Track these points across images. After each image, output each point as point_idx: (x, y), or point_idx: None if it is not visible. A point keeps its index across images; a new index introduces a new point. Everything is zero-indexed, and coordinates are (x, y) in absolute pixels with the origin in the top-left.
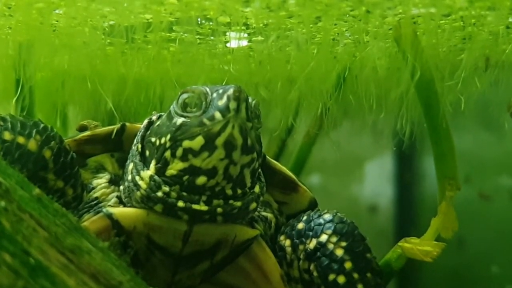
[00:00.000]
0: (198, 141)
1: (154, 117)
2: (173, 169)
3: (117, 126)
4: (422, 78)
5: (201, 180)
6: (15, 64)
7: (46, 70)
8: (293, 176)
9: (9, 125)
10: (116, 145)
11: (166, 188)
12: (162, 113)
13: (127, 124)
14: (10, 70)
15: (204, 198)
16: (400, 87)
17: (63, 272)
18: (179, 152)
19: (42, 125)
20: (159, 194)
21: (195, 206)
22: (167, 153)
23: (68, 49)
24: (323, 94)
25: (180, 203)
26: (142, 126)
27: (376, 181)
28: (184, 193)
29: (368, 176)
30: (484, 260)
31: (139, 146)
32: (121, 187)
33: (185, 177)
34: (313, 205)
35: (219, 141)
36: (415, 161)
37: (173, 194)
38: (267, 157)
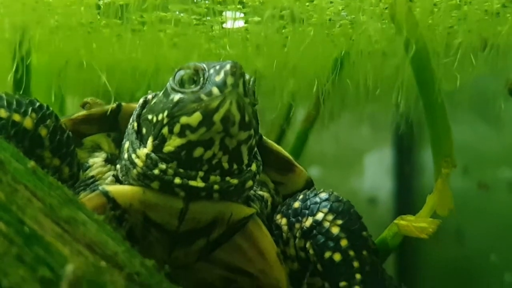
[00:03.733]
0: (196, 117)
1: (149, 96)
2: (170, 145)
3: (112, 106)
4: (417, 54)
5: (198, 151)
6: (12, 48)
7: (43, 55)
8: (290, 156)
9: (5, 103)
10: (112, 125)
11: (163, 166)
12: (158, 92)
13: (123, 103)
14: (6, 55)
15: (201, 174)
16: (398, 77)
17: (58, 241)
18: (177, 128)
19: (38, 103)
20: (156, 171)
21: (192, 183)
22: (165, 130)
23: (64, 31)
24: (320, 78)
25: (177, 180)
26: (137, 105)
27: (376, 174)
28: (181, 170)
29: (367, 169)
30: (483, 250)
31: (135, 124)
32: (118, 166)
33: (183, 152)
34: (309, 185)
35: (217, 117)
36: (414, 153)
37: (170, 171)
38: (264, 137)
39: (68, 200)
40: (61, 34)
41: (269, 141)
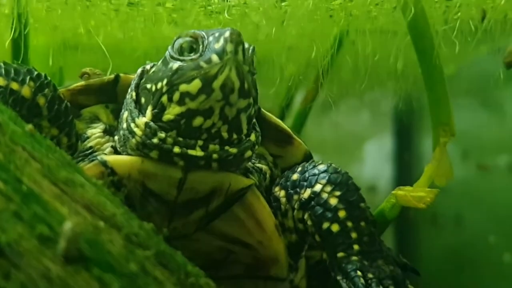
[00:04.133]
0: (195, 85)
1: (147, 66)
2: (170, 113)
3: (110, 77)
4: (415, 18)
5: (197, 121)
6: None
7: (41, 34)
8: (288, 129)
9: (3, 71)
10: (110, 96)
11: (162, 135)
12: (156, 62)
13: (121, 75)
14: (5, 34)
15: (200, 143)
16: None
17: (56, 201)
18: (176, 96)
19: (36, 72)
20: (155, 140)
21: (191, 152)
22: (164, 98)
23: (62, 6)
24: (320, 51)
25: (176, 149)
26: (136, 74)
27: (375, 161)
28: (180, 139)
29: (367, 156)
30: (482, 232)
31: (134, 94)
32: (116, 137)
33: (182, 121)
34: (308, 158)
35: (217, 83)
36: (414, 141)
37: (169, 140)
38: (262, 109)
39: (66, 163)
40: (59, 9)
41: (268, 113)
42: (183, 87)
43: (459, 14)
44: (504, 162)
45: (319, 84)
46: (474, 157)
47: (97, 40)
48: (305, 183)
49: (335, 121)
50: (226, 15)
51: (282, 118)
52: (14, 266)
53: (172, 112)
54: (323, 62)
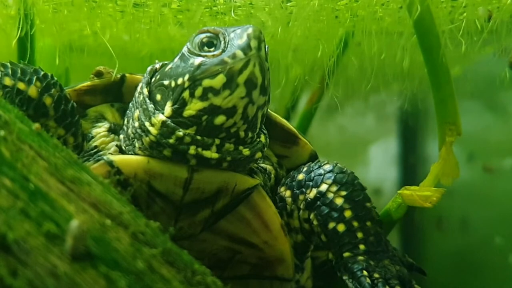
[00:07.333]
0: (219, 80)
1: (157, 65)
2: (191, 109)
3: (116, 77)
4: (421, 16)
5: (220, 119)
6: (17, 25)
7: (47, 36)
8: (294, 129)
9: (10, 71)
10: (116, 96)
11: (180, 133)
12: (166, 62)
13: (127, 75)
14: (11, 36)
15: (217, 141)
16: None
17: (63, 199)
18: (199, 91)
19: (42, 73)
20: (171, 140)
21: (206, 153)
22: (186, 93)
23: (68, 7)
24: (326, 51)
25: (192, 150)
26: (145, 73)
27: (381, 164)
28: (199, 137)
29: (372, 159)
30: (488, 234)
31: (146, 91)
32: (121, 136)
33: (204, 117)
34: (313, 158)
35: (241, 78)
36: (419, 143)
37: (187, 139)
38: (268, 109)
39: (73, 161)
40: (65, 10)
41: (273, 113)
42: (207, 82)
43: (464, 14)
44: (510, 164)
45: (325, 85)
46: (480, 159)
47: (103, 41)
48: (310, 183)
49: (341, 123)
50: (232, 15)
51: (287, 119)
52: (22, 263)
53: (193, 107)
54: (328, 63)
